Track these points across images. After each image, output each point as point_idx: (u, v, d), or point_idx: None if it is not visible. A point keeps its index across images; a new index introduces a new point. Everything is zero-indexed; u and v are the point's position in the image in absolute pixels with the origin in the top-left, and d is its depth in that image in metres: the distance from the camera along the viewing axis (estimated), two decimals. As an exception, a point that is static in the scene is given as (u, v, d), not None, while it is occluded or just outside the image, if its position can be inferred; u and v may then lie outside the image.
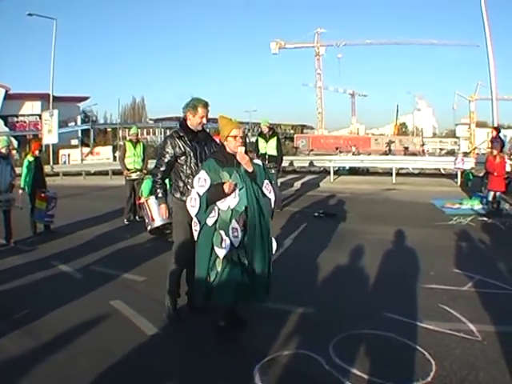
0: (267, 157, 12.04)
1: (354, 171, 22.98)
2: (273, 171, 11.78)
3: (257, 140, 12.57)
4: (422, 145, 40.53)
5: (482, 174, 15.13)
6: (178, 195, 5.18)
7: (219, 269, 4.46)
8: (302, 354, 4.37)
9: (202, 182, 4.48)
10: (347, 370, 4.05)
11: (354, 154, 26.39)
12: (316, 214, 11.74)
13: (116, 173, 23.60)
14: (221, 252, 4.42)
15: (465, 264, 7.11)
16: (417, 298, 5.80)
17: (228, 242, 4.41)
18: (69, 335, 4.89)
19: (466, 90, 54.79)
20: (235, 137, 4.54)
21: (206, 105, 5.18)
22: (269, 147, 12.21)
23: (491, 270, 6.80)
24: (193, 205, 4.52)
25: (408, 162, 22.82)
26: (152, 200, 8.56)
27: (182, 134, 5.17)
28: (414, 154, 31.76)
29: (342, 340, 4.61)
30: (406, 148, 36.52)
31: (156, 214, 8.54)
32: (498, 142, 13.20)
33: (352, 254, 7.76)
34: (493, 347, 4.40)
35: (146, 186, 9.64)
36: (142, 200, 9.29)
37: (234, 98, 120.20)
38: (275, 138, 12.44)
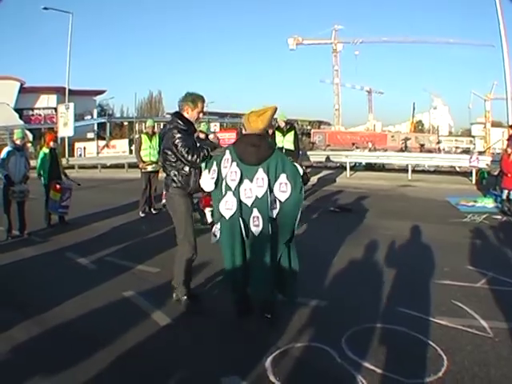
0: (284, 151, 11.88)
1: (370, 167, 22.79)
2: None
3: (274, 134, 12.38)
4: (438, 142, 40.16)
5: (496, 173, 14.93)
6: (175, 185, 5.19)
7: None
8: (314, 346, 4.34)
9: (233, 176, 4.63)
10: (359, 364, 4.02)
11: (370, 150, 26.15)
12: (332, 209, 11.69)
13: (132, 166, 23.45)
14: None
15: (478, 261, 7.02)
16: (430, 293, 5.74)
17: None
18: (81, 326, 4.89)
19: (482, 90, 54.02)
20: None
21: (204, 100, 5.30)
22: (286, 141, 12.20)
23: (505, 268, 6.71)
24: (228, 207, 4.66)
25: (424, 159, 22.60)
26: None
27: (185, 128, 5.16)
28: (429, 152, 31.40)
29: (355, 334, 4.58)
30: (422, 145, 36.20)
31: None
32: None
33: (367, 249, 7.71)
34: (504, 344, 4.34)
35: None
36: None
37: (252, 93, 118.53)
38: (293, 132, 12.45)
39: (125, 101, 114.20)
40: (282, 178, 4.58)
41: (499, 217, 11.03)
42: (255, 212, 4.56)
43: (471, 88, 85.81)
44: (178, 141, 5.01)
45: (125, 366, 4.10)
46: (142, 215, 11.48)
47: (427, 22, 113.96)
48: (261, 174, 4.55)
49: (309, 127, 56.20)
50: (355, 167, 22.31)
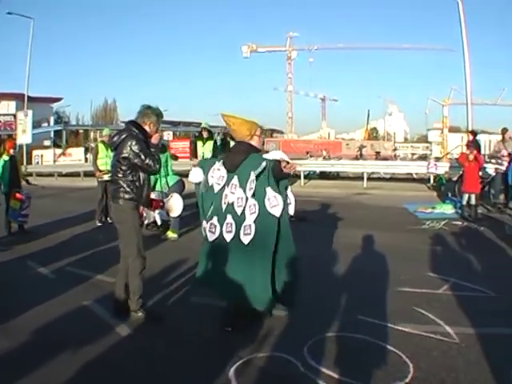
0: None
1: (324, 175, 23.11)
2: None
3: (228, 143, 12.58)
4: (394, 149, 41.07)
5: (455, 179, 15.38)
6: (128, 196, 5.19)
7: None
8: (276, 356, 4.36)
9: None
10: (323, 372, 4.03)
11: (324, 158, 26.47)
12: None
13: (87, 174, 23.85)
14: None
15: (439, 267, 7.21)
16: (391, 301, 5.83)
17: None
18: (42, 336, 4.86)
19: (439, 95, 55.72)
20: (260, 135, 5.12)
21: (161, 115, 5.47)
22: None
23: (466, 273, 6.92)
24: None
25: (380, 166, 23.10)
26: (152, 195, 8.60)
27: (142, 138, 5.20)
28: (385, 159, 32.12)
29: (317, 343, 4.61)
30: (378, 153, 36.93)
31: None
32: (473, 146, 13.42)
33: (325, 258, 7.79)
34: (471, 349, 4.45)
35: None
36: None
37: (204, 101, 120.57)
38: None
39: (81, 108, 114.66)
40: (269, 192, 4.74)
41: (459, 223, 11.36)
42: (228, 218, 4.81)
43: (428, 94, 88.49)
44: (136, 147, 5.03)
45: (87, 378, 4.06)
46: (99, 224, 11.68)
47: (384, 28, 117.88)
48: (234, 180, 4.87)
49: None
50: (309, 176, 22.54)
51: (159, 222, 5.87)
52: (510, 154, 12.16)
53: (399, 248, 8.61)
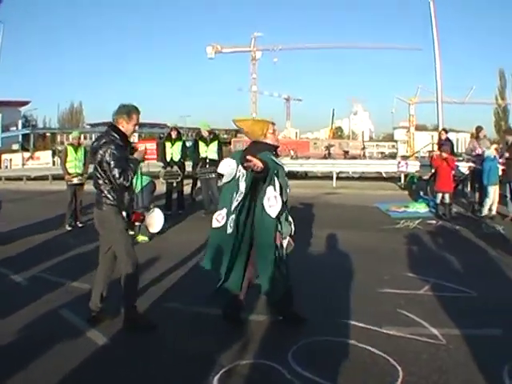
0: (208, 161, 12.38)
1: (292, 175, 23.13)
2: (213, 175, 12.05)
3: (197, 144, 12.90)
4: (363, 148, 41.44)
5: (427, 177, 15.58)
6: (109, 202, 5.18)
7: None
8: (260, 363, 4.34)
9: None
10: (310, 379, 4.03)
11: (292, 157, 26.53)
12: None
13: (56, 178, 23.95)
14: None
15: (418, 267, 7.30)
16: (373, 303, 5.89)
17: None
18: (15, 346, 4.79)
19: (405, 94, 56.57)
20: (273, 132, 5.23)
21: (139, 112, 5.37)
22: (210, 151, 12.60)
23: (446, 273, 7.04)
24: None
25: (349, 165, 23.30)
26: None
27: (121, 143, 5.18)
28: (354, 158, 32.47)
29: (301, 348, 4.60)
30: (347, 152, 37.28)
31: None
32: (447, 143, 13.64)
33: (301, 260, 7.73)
34: (459, 351, 4.51)
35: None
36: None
37: (169, 102, 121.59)
38: (216, 141, 12.89)
39: (48, 112, 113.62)
40: (270, 192, 4.91)
41: (434, 221, 11.55)
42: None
43: (394, 92, 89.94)
44: (112, 160, 5.00)
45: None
46: (69, 229, 11.69)
47: (350, 28, 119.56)
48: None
49: (225, 136, 56.82)
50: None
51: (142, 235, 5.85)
52: (484, 153, 12.32)
53: (375, 248, 8.69)
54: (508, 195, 11.65)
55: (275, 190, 4.90)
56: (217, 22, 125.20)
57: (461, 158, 15.49)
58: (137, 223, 5.84)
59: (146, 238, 9.58)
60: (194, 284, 6.52)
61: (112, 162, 4.98)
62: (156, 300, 6.10)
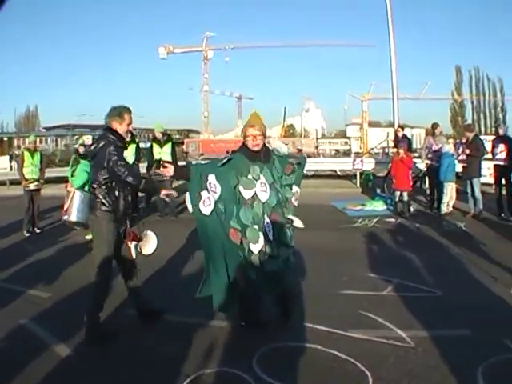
0: (161, 163, 12.18)
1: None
2: (167, 177, 11.69)
3: (151, 146, 13.03)
4: (317, 146, 41.74)
5: (384, 175, 15.71)
6: (104, 208, 5.13)
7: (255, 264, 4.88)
8: (225, 371, 4.24)
9: (213, 187, 4.97)
10: (276, 387, 3.95)
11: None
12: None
13: (13, 182, 23.47)
14: (256, 248, 4.85)
15: (379, 267, 7.31)
16: (336, 305, 5.84)
17: (262, 237, 4.90)
18: None
19: (358, 91, 57.26)
20: (253, 136, 5.00)
21: (130, 111, 5.42)
22: (163, 153, 12.70)
23: (408, 273, 7.06)
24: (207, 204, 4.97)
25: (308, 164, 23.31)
26: (77, 194, 9.07)
27: (120, 144, 5.26)
28: (308, 156, 32.70)
29: (265, 354, 4.52)
30: (300, 150, 37.51)
31: (75, 209, 8.99)
32: (404, 141, 13.75)
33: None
34: (429, 353, 4.49)
35: (79, 176, 9.83)
36: (70, 188, 9.72)
37: (124, 103, 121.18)
38: (170, 143, 13.01)
39: (5, 116, 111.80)
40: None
41: (392, 220, 11.66)
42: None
43: (347, 89, 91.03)
44: (115, 159, 5.01)
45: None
46: (27, 235, 11.51)
47: (302, 26, 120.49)
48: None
49: (177, 136, 56.77)
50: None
51: (134, 256, 5.79)
52: (440, 149, 12.47)
53: (334, 248, 8.68)
54: (469, 192, 11.82)
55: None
56: (169, 23, 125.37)
57: (417, 155, 15.67)
58: (134, 242, 5.74)
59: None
60: (156, 290, 6.35)
61: (116, 163, 5.00)
62: (117, 307, 5.94)
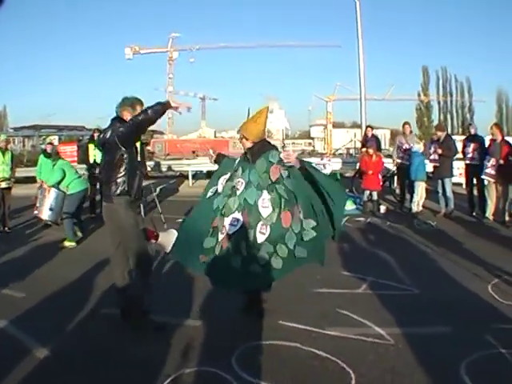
0: None
1: (211, 174, 23.10)
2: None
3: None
4: (283, 146, 41.93)
5: (348, 175, 15.78)
6: (119, 192, 5.11)
7: (217, 251, 5.07)
8: (205, 371, 4.20)
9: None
10: (260, 386, 3.92)
11: (212, 157, 26.52)
12: (180, 220, 11.46)
13: None
14: (219, 236, 5.09)
15: (352, 266, 7.31)
16: (312, 303, 5.84)
17: (226, 228, 5.07)
18: None
19: (323, 91, 57.69)
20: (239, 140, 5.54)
21: (142, 102, 5.42)
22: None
23: (382, 271, 7.10)
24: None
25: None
26: (52, 191, 9.34)
27: None
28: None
29: (244, 353, 4.49)
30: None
31: (47, 207, 9.36)
32: (373, 140, 13.84)
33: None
34: (409, 350, 4.51)
35: (55, 173, 9.80)
36: (45, 185, 9.78)
37: (87, 104, 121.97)
38: (138, 142, 12.40)
39: None
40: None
41: (362, 219, 11.72)
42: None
43: (311, 90, 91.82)
44: (119, 127, 5.04)
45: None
46: None
47: (268, 26, 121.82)
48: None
49: (143, 136, 56.95)
50: (196, 175, 22.48)
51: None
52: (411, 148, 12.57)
53: (306, 247, 8.62)
54: (440, 191, 11.93)
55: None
56: (135, 24, 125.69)
57: (385, 155, 15.77)
58: (152, 241, 5.75)
59: (73, 243, 9.54)
60: None
61: (129, 122, 5.01)
62: (93, 307, 5.89)
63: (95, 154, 12.91)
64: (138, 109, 5.28)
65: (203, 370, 4.21)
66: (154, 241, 5.73)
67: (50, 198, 9.39)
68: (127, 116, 5.25)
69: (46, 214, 9.46)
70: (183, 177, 22.03)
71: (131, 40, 79.82)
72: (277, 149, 5.30)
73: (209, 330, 5.12)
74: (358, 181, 14.29)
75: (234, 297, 5.59)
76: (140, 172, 5.34)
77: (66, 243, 9.50)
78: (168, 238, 5.71)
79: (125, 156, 5.08)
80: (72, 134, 53.28)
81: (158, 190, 18.49)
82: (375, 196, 12.37)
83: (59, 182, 9.56)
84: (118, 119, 5.30)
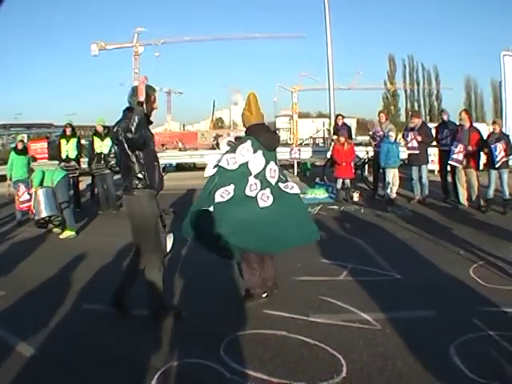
0: (102, 156, 12.36)
1: (181, 167, 23.16)
2: (107, 171, 11.98)
3: (92, 139, 12.96)
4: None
5: (318, 163, 15.83)
6: (141, 185, 5.05)
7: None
8: (194, 362, 4.14)
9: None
10: (250, 375, 3.90)
11: (180, 149, 26.55)
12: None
13: None
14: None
15: (331, 253, 7.33)
16: (294, 291, 5.85)
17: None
18: None
19: (288, 82, 57.92)
20: None
21: (155, 90, 5.39)
22: (104, 146, 12.55)
23: (361, 257, 7.16)
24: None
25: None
26: (40, 191, 9.41)
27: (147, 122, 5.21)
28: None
29: (231, 342, 4.47)
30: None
31: (43, 205, 9.38)
32: (344, 129, 13.94)
33: (204, 253, 7.56)
34: (397, 335, 4.53)
35: (36, 176, 9.89)
36: (32, 190, 9.79)
37: (54, 101, 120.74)
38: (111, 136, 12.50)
39: None
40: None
41: (336, 207, 11.80)
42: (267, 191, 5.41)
43: (277, 81, 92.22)
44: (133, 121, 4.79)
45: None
46: None
47: (233, 18, 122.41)
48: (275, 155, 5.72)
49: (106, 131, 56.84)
50: (166, 168, 22.38)
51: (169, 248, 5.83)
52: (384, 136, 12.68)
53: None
54: (415, 178, 12.07)
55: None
56: (101, 19, 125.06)
57: (357, 142, 15.88)
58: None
59: (73, 233, 9.78)
60: (108, 282, 6.13)
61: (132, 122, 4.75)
62: (75, 303, 5.79)
63: (67, 150, 12.99)
64: (152, 97, 5.22)
65: (192, 361, 4.16)
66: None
67: (41, 197, 9.40)
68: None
69: (44, 213, 9.47)
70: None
71: (97, 36, 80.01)
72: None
73: (193, 321, 5.06)
74: (329, 170, 14.36)
75: (212, 285, 5.61)
76: (157, 163, 5.28)
77: (67, 233, 9.62)
78: (167, 241, 5.72)
79: (139, 154, 5.02)
80: (41, 131, 53.45)
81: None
82: (348, 184, 12.48)
83: (42, 181, 9.61)
84: (130, 109, 5.15)
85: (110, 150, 5.54)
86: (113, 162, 5.64)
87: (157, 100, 5.37)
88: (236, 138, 6.11)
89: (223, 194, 5.32)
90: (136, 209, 5.13)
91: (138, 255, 5.29)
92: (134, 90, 5.14)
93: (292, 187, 5.58)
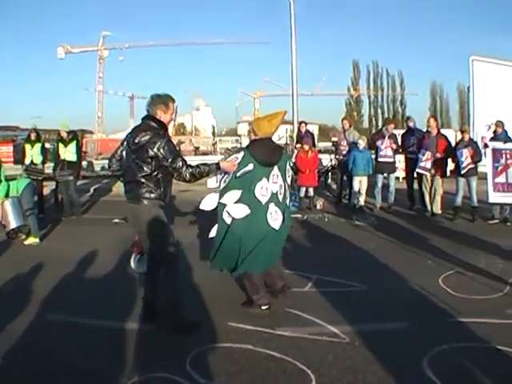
0: (66, 162, 12.29)
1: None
2: (71, 178, 12.23)
3: (57, 145, 12.74)
4: (214, 144, 42.34)
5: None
6: (153, 196, 5.12)
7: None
8: (160, 377, 4.03)
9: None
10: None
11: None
12: (116, 221, 11.18)
13: None
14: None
15: (294, 264, 7.26)
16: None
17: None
18: None
19: (250, 88, 58.24)
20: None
21: (174, 100, 5.43)
22: (68, 152, 12.48)
23: (326, 268, 7.11)
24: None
25: (202, 161, 23.40)
26: (7, 202, 9.37)
27: (162, 133, 5.17)
28: (205, 154, 33.76)
29: (197, 357, 4.35)
30: (197, 148, 38.01)
31: (11, 216, 9.36)
32: (308, 136, 13.96)
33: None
34: (367, 348, 4.48)
35: (2, 189, 9.67)
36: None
37: (18, 104, 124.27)
38: (75, 141, 12.75)
39: None
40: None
41: (299, 215, 11.72)
42: (272, 207, 5.51)
43: (239, 87, 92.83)
44: (169, 153, 5.00)
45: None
46: None
47: (199, 24, 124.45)
48: (276, 171, 5.60)
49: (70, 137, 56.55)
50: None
51: (134, 266, 5.91)
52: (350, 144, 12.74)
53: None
54: (379, 186, 12.21)
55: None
56: (67, 22, 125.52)
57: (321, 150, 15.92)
58: (138, 255, 5.73)
59: (37, 240, 9.62)
60: (82, 294, 6.17)
61: (170, 155, 4.99)
62: (39, 312, 5.62)
63: (32, 155, 12.86)
64: (171, 107, 5.31)
65: (158, 376, 4.05)
66: (138, 253, 5.68)
67: (8, 208, 9.41)
68: (161, 115, 5.23)
69: (13, 223, 9.44)
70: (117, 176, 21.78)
71: (64, 39, 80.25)
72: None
73: (159, 334, 4.95)
74: (293, 177, 14.33)
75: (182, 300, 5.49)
76: (172, 176, 5.25)
77: (31, 240, 9.51)
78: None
79: (161, 169, 5.07)
80: (6, 134, 53.31)
81: (91, 190, 18.18)
82: (311, 192, 12.49)
83: (8, 192, 9.54)
84: (150, 118, 5.25)
85: (116, 152, 5.50)
86: (115, 166, 5.57)
87: (175, 110, 5.47)
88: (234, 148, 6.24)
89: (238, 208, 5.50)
90: (144, 217, 5.16)
91: (153, 264, 5.31)
92: (156, 99, 5.25)
93: (275, 219, 5.55)
